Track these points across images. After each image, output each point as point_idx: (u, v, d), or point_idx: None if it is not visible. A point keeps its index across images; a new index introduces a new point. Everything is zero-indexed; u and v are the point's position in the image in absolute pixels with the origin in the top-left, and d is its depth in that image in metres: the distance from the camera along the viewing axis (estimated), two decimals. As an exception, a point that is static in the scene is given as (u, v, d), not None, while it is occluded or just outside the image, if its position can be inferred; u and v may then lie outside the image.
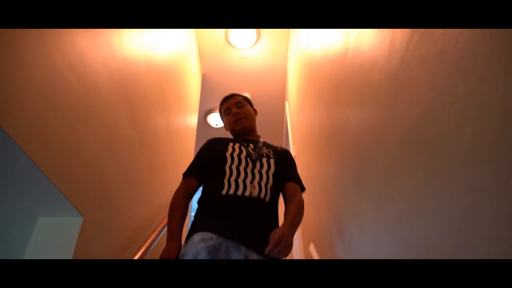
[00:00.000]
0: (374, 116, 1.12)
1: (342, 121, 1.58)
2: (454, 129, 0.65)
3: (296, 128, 3.34)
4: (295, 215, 1.24)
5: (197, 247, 1.04)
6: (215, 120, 4.84)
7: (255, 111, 1.64)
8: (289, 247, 1.07)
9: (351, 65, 1.39)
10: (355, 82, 1.34)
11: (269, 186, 1.29)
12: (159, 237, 1.63)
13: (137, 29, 1.72)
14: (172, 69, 2.56)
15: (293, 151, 3.51)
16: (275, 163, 1.38)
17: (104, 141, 1.26)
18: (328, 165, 1.92)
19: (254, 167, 1.32)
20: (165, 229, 1.77)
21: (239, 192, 1.22)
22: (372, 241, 1.16)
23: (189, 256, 1.02)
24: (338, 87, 1.65)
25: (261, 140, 1.56)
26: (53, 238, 1.05)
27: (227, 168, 1.29)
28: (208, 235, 1.08)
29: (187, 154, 3.27)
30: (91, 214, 1.13)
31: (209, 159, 1.36)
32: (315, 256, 2.22)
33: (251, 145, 1.43)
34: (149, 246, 1.50)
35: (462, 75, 0.63)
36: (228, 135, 1.62)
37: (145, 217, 1.74)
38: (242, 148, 1.39)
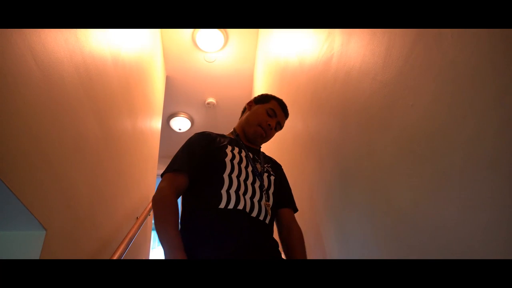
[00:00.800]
0: (363, 125, 1.10)
1: (321, 129, 1.56)
2: (466, 145, 0.63)
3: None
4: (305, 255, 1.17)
5: None
6: (178, 125, 4.68)
7: None
8: None
9: (335, 72, 1.37)
10: (339, 90, 1.32)
11: (269, 207, 1.12)
12: (127, 249, 1.50)
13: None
14: (138, 67, 2.42)
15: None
16: (275, 181, 1.22)
17: (70, 143, 1.13)
18: (303, 174, 1.89)
19: (254, 182, 1.13)
20: (133, 240, 1.64)
21: (240, 206, 1.02)
22: (360, 250, 1.14)
23: None
24: (317, 94, 1.63)
25: (261, 151, 1.37)
26: (12, 254, 0.91)
27: (225, 176, 1.07)
28: None
29: (152, 158, 3.12)
30: (55, 226, 1.00)
31: (203, 159, 1.12)
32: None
33: (250, 155, 1.23)
34: (118, 258, 1.37)
35: (478, 87, 0.61)
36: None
37: (112, 227, 1.60)
38: (243, 156, 1.18)
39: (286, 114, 1.38)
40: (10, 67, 0.78)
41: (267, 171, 1.21)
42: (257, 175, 1.15)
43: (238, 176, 1.09)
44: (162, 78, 3.78)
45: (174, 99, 4.39)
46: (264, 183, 1.15)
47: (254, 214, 1.04)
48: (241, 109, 1.48)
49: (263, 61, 3.43)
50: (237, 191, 1.05)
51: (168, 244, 0.87)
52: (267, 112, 1.31)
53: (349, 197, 1.21)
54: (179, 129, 4.72)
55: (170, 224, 0.90)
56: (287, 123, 2.29)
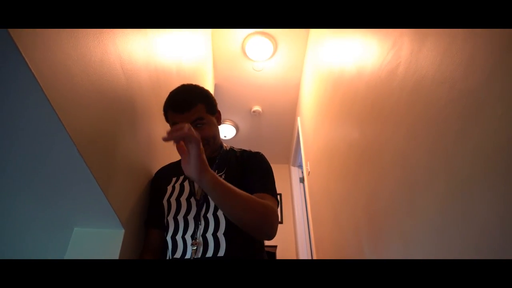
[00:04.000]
0: (436, 136, 1.06)
1: (383, 138, 1.52)
2: None
3: (311, 144, 3.28)
4: (231, 188, 0.86)
5: None
6: (224, 132, 4.77)
7: (219, 116, 1.18)
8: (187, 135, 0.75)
9: (402, 81, 1.33)
10: (406, 99, 1.29)
11: (220, 232, 0.94)
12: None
13: (169, 34, 1.67)
14: (195, 76, 2.51)
15: (306, 168, 3.44)
16: None
17: (144, 145, 1.18)
18: (358, 182, 1.85)
19: (200, 211, 0.99)
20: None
21: (178, 255, 0.95)
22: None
23: None
24: (378, 103, 1.60)
25: (222, 151, 1.16)
26: (92, 252, 0.96)
27: (166, 220, 1.04)
28: None
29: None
30: (130, 226, 1.04)
31: (158, 206, 1.09)
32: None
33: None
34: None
35: None
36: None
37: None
38: (185, 184, 1.07)
39: (185, 108, 1.01)
40: (104, 74, 0.83)
41: None
42: (198, 201, 1.02)
43: (176, 215, 1.02)
44: (211, 86, 3.88)
45: (221, 107, 4.47)
46: (210, 206, 1.00)
47: (198, 255, 0.93)
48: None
49: (312, 69, 3.42)
50: (174, 235, 0.99)
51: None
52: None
53: (416, 208, 1.16)
54: (225, 136, 4.80)
55: None
56: (340, 132, 2.27)
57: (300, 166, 4.25)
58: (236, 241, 0.93)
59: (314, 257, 3.00)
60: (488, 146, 0.82)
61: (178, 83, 1.84)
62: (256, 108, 4.47)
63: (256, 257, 0.97)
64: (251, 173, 1.06)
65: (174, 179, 1.12)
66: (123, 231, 0.98)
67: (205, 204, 1.00)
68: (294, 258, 3.96)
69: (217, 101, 4.15)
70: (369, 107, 1.73)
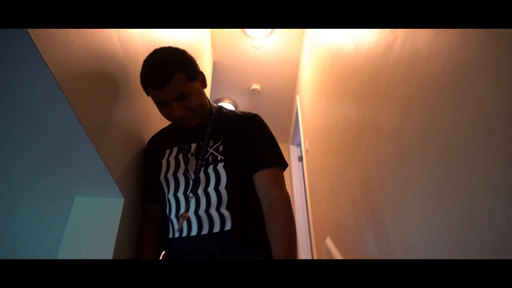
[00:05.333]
0: (431, 107, 1.07)
1: (380, 113, 1.53)
2: None
3: (310, 122, 3.29)
4: (287, 250, 0.82)
5: None
6: (223, 110, 4.76)
7: (202, 77, 1.09)
8: None
9: (399, 55, 1.33)
10: (403, 73, 1.29)
11: (223, 207, 0.92)
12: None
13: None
14: (193, 53, 2.49)
15: (305, 145, 3.47)
16: (225, 165, 0.96)
17: (142, 117, 1.20)
18: (355, 158, 1.88)
19: (195, 185, 0.95)
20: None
21: (175, 234, 0.96)
22: (415, 236, 1.13)
23: None
24: (375, 78, 1.60)
25: (213, 116, 1.08)
26: (92, 220, 0.99)
27: (167, 198, 1.02)
28: None
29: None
30: (130, 195, 1.07)
31: (152, 180, 1.08)
32: (333, 250, 2.19)
33: (193, 145, 1.04)
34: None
35: None
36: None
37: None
38: (180, 157, 1.02)
39: (163, 84, 0.91)
40: (102, 44, 0.84)
41: (213, 158, 0.98)
42: (192, 176, 0.98)
43: (176, 192, 0.99)
44: (210, 64, 3.85)
45: (220, 85, 4.47)
46: (211, 179, 0.95)
47: (193, 232, 0.92)
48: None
49: (311, 46, 3.39)
50: (175, 213, 0.97)
51: None
52: (159, 105, 0.99)
53: (410, 180, 1.19)
54: (224, 115, 4.80)
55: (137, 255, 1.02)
56: (337, 109, 2.27)
57: (299, 145, 4.27)
58: (241, 215, 0.92)
59: (312, 235, 3.06)
60: (481, 114, 0.83)
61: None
62: (255, 86, 4.45)
63: (260, 230, 0.94)
64: (253, 146, 0.99)
65: (167, 152, 1.07)
66: (122, 200, 1.01)
67: (204, 179, 0.95)
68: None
69: (216, 79, 4.11)
70: (366, 83, 1.74)
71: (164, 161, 1.04)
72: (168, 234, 0.97)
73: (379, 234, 1.49)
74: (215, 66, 4.20)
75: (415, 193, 1.15)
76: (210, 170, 0.96)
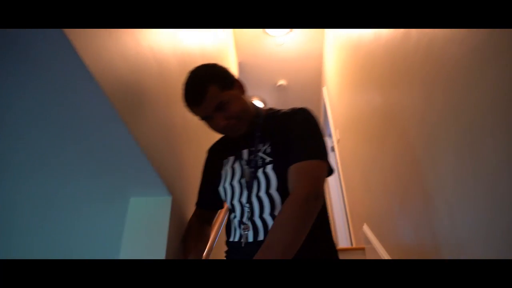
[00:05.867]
0: (449, 91, 1.12)
1: (403, 100, 1.58)
2: None
3: (338, 112, 3.34)
4: (271, 238, 0.76)
5: None
6: (251, 108, 4.89)
7: (239, 85, 1.06)
8: None
9: (416, 42, 1.38)
10: (421, 59, 1.33)
11: (276, 211, 0.89)
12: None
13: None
14: (218, 58, 2.62)
15: (335, 136, 3.51)
16: (274, 167, 0.92)
17: (179, 123, 1.33)
18: (384, 146, 1.92)
19: (250, 193, 0.95)
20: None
21: (235, 238, 0.97)
22: (447, 216, 1.18)
23: None
24: (396, 66, 1.64)
25: (260, 120, 1.07)
26: (146, 218, 1.12)
27: (229, 204, 1.04)
28: None
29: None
30: (176, 193, 1.20)
31: (208, 189, 1.13)
32: (371, 236, 2.24)
33: (245, 152, 1.04)
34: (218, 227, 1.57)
35: None
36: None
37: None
38: (235, 166, 1.04)
39: (200, 100, 0.95)
40: (138, 63, 0.96)
41: (262, 161, 0.96)
42: (247, 183, 0.98)
43: (232, 199, 1.01)
44: (235, 65, 3.98)
45: (247, 84, 4.58)
46: (261, 183, 0.93)
47: (250, 239, 0.91)
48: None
49: (332, 39, 3.42)
50: (234, 218, 1.00)
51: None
52: (205, 122, 1.03)
53: (437, 163, 1.24)
54: (253, 113, 4.92)
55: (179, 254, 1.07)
56: (362, 98, 2.32)
57: (330, 136, 4.31)
58: None
59: (349, 221, 3.11)
60: (497, 94, 0.88)
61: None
62: (281, 82, 4.53)
63: (317, 231, 0.88)
64: (292, 140, 0.94)
65: (224, 162, 1.10)
66: (170, 197, 1.14)
67: (256, 184, 0.94)
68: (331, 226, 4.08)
69: (242, 79, 4.24)
70: (387, 70, 1.78)
71: (222, 172, 1.07)
72: (229, 237, 1.00)
73: (412, 220, 1.55)
74: (241, 67, 4.32)
75: (443, 177, 1.20)
76: (260, 173, 0.93)
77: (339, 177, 3.56)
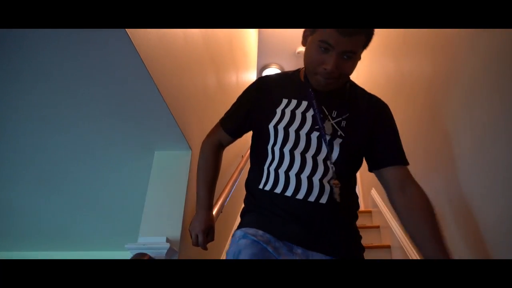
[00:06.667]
0: (450, 55, 1.19)
1: (414, 68, 1.64)
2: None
3: (355, 80, 3.37)
4: (440, 233, 0.78)
5: (238, 244, 0.82)
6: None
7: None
8: None
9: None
10: (427, 31, 1.39)
11: (326, 180, 0.85)
12: (236, 182, 1.85)
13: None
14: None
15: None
16: (342, 143, 0.88)
17: (200, 90, 1.45)
18: (395, 113, 1.99)
19: (308, 148, 0.87)
20: (240, 176, 1.99)
21: (278, 190, 0.86)
22: (440, 179, 1.28)
23: (229, 256, 0.82)
24: (408, 35, 1.69)
25: (349, 87, 0.95)
26: (169, 170, 1.27)
27: (269, 148, 0.90)
28: (252, 230, 0.84)
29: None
30: (195, 148, 1.34)
31: (246, 120, 0.98)
32: (378, 200, 2.36)
33: (325, 108, 0.91)
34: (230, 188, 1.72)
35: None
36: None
37: (225, 163, 1.97)
38: (299, 114, 0.90)
39: (349, 34, 0.79)
40: (167, 33, 1.07)
41: (333, 131, 0.89)
42: (313, 139, 0.88)
43: (283, 147, 0.88)
44: (255, 33, 4.01)
45: (265, 50, 4.61)
46: (322, 151, 0.87)
47: (300, 195, 0.83)
48: None
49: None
50: (277, 168, 0.87)
51: (197, 202, 0.99)
52: (319, 47, 0.82)
53: (436, 124, 1.33)
54: (271, 81, 4.98)
55: (199, 180, 0.99)
56: (378, 66, 2.36)
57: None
58: (342, 191, 0.86)
59: (360, 186, 3.23)
60: (493, 56, 0.95)
61: (223, 38, 2.06)
62: (301, 49, 4.54)
63: (352, 207, 0.92)
64: (387, 137, 0.92)
65: (284, 101, 0.93)
66: (190, 151, 1.28)
67: (326, 148, 0.87)
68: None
69: (262, 47, 4.23)
70: (401, 39, 1.82)
71: (278, 110, 0.91)
72: (262, 185, 0.89)
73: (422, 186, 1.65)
74: (260, 34, 4.34)
75: (440, 135, 1.29)
76: (326, 141, 0.87)
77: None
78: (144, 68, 0.88)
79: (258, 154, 0.94)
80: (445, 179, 1.27)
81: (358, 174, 3.29)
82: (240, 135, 1.02)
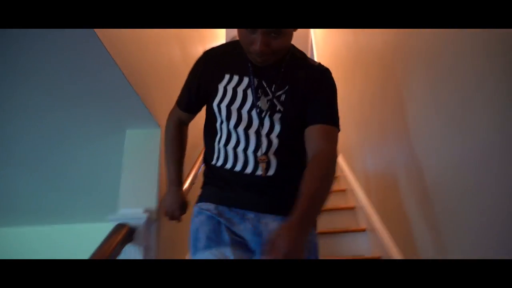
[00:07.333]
0: (397, 35, 1.31)
1: (369, 40, 1.75)
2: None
3: (322, 53, 3.47)
4: (310, 204, 0.75)
5: (195, 221, 0.91)
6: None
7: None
8: (292, 253, 0.66)
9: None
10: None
11: (263, 160, 0.90)
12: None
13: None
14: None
15: (319, 75, 3.68)
16: (282, 117, 0.91)
17: (165, 62, 1.52)
18: (354, 84, 2.12)
19: (249, 127, 0.92)
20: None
21: (229, 166, 0.92)
22: (393, 144, 1.42)
23: (191, 236, 0.90)
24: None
25: (287, 59, 0.95)
26: (141, 147, 1.36)
27: (217, 126, 0.95)
28: (206, 205, 0.91)
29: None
30: (163, 125, 1.42)
31: (198, 95, 0.99)
32: (343, 165, 2.53)
33: (264, 83, 0.93)
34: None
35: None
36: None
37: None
38: (240, 91, 0.93)
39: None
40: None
41: (271, 106, 0.92)
42: (260, 117, 0.91)
43: (228, 124, 0.93)
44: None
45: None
46: (264, 126, 0.91)
47: (248, 170, 0.90)
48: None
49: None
50: (225, 145, 0.93)
51: (167, 179, 1.04)
52: (247, 33, 0.83)
53: (387, 92, 1.46)
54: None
55: (167, 159, 1.04)
56: (341, 39, 2.45)
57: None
58: (287, 164, 0.92)
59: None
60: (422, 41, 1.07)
61: None
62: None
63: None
64: (317, 101, 0.92)
65: (226, 77, 0.95)
66: (160, 129, 1.36)
67: (267, 123, 0.91)
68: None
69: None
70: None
71: (220, 87, 0.94)
72: (215, 161, 0.95)
73: (371, 150, 1.80)
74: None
75: (391, 104, 1.42)
76: (266, 117, 0.91)
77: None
78: (104, 48, 0.93)
79: (209, 129, 0.99)
80: (397, 146, 1.41)
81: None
82: (196, 110, 1.04)
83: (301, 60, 0.97)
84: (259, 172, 0.89)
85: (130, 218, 1.21)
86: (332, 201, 2.34)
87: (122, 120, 1.32)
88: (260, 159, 0.90)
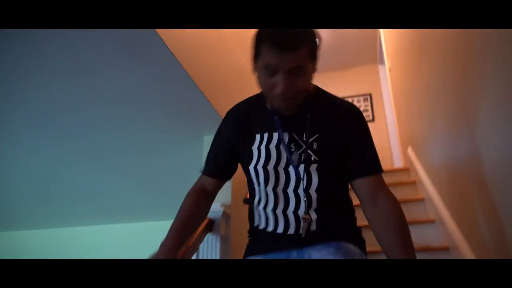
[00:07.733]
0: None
1: (431, 33, 1.74)
2: None
3: (390, 41, 3.39)
4: (409, 252, 0.77)
5: None
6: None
7: (316, 66, 0.87)
8: None
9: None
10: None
11: (307, 219, 0.88)
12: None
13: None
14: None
15: (387, 64, 3.60)
16: (319, 168, 0.88)
17: (235, 72, 1.73)
18: (419, 75, 2.10)
19: (297, 182, 0.89)
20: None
21: (270, 228, 0.90)
22: (456, 136, 1.44)
23: None
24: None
25: (311, 100, 0.91)
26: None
27: (255, 187, 0.94)
28: (252, 257, 0.92)
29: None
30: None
31: (227, 159, 0.96)
32: (413, 156, 2.52)
33: (295, 135, 0.90)
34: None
35: None
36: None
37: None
38: (271, 147, 0.90)
39: (292, 47, 0.77)
40: (200, 31, 1.34)
41: (306, 158, 0.88)
42: (293, 172, 0.89)
43: (266, 186, 0.90)
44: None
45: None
46: (302, 182, 0.88)
47: (291, 231, 0.88)
48: None
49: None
50: (265, 208, 0.91)
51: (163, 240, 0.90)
52: (266, 71, 0.81)
53: (448, 88, 1.47)
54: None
55: (174, 222, 0.92)
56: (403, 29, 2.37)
57: (384, 64, 4.34)
58: (329, 218, 0.90)
59: (399, 145, 3.35)
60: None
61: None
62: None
63: (347, 223, 0.94)
64: (356, 149, 0.90)
65: (257, 138, 0.92)
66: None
67: (304, 177, 0.88)
68: (387, 151, 4.24)
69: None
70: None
71: (254, 149, 0.92)
72: (256, 223, 0.94)
73: (438, 143, 1.80)
74: None
75: (452, 100, 1.44)
76: (301, 170, 0.88)
77: (391, 105, 3.71)
78: (183, 70, 1.17)
79: (250, 191, 0.97)
80: (460, 138, 1.41)
81: (397, 133, 3.41)
82: (223, 176, 0.99)
83: (327, 100, 0.94)
84: (301, 231, 0.87)
85: (210, 212, 1.43)
86: (402, 194, 2.34)
87: (199, 128, 1.56)
88: (304, 218, 0.87)
